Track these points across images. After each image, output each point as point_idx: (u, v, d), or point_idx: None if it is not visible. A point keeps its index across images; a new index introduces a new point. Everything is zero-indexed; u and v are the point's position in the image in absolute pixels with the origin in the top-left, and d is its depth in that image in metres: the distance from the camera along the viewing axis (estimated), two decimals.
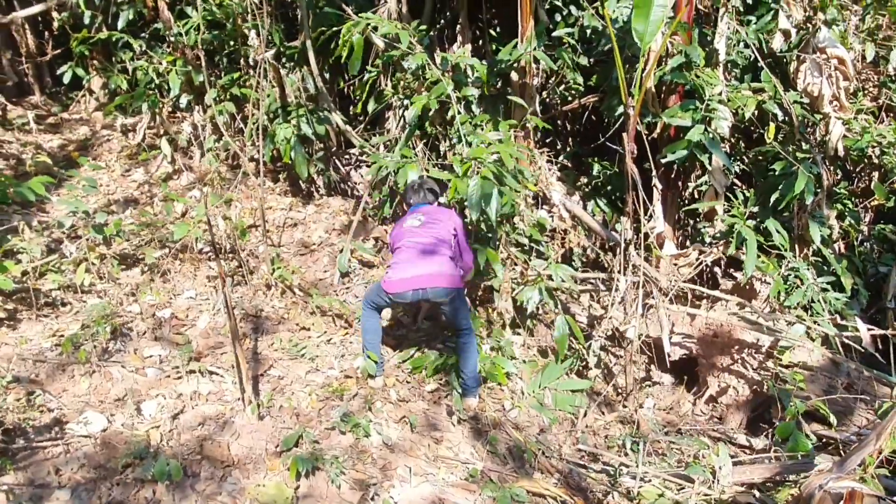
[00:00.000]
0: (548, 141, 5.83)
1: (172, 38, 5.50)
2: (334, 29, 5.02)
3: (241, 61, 5.81)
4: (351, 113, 6.47)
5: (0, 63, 6.54)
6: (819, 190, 4.28)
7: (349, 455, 3.11)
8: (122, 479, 2.71)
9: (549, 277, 4.13)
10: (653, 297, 4.27)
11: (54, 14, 6.29)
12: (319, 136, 5.30)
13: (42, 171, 4.91)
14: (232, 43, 5.75)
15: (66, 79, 6.04)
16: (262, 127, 4.74)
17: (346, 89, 6.01)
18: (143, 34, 6.08)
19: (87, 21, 5.93)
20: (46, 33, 6.77)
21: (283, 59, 5.83)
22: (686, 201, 5.07)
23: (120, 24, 5.73)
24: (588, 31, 4.93)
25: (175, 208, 4.82)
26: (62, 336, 3.49)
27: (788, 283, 4.18)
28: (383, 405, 3.55)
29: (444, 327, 4.28)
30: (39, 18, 6.64)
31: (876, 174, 4.68)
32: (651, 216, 4.67)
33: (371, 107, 5.36)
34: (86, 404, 3.09)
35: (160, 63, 5.66)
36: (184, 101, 5.67)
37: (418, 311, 4.46)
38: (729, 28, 4.28)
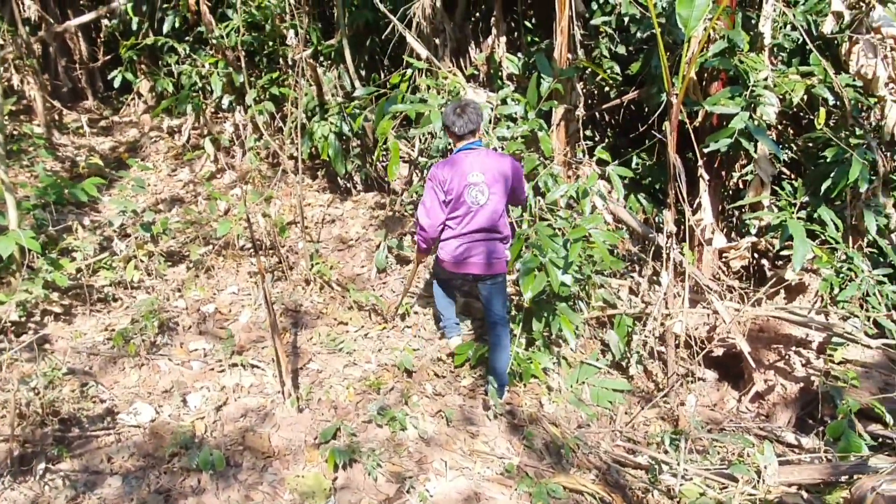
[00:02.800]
0: (585, 133, 5.73)
1: (214, 41, 5.65)
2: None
3: (280, 61, 5.93)
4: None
5: (56, 70, 6.86)
6: (874, 177, 4.08)
7: (385, 448, 3.15)
8: (170, 467, 2.82)
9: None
10: (697, 292, 4.16)
11: (104, 22, 6.57)
12: (356, 133, 5.36)
13: (94, 173, 5.14)
14: (271, 43, 5.88)
15: (117, 83, 6.29)
16: (300, 125, 4.83)
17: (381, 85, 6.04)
18: (187, 38, 6.27)
19: (134, 27, 6.17)
20: (98, 40, 7.06)
21: (321, 58, 5.91)
22: (730, 192, 4.91)
23: (165, 29, 5.93)
24: (626, 20, 4.81)
25: (218, 206, 4.97)
26: (113, 330, 3.65)
27: (841, 276, 3.99)
28: (419, 399, 3.58)
29: (478, 316, 4.28)
30: (91, 26, 6.94)
31: None
32: (696, 208, 4.54)
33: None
34: (135, 395, 3.23)
35: (203, 66, 5.83)
36: (226, 101, 5.83)
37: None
38: (775, 10, 4.10)
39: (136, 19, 6.14)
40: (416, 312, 4.41)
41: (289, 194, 5.45)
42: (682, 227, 4.30)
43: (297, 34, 5.79)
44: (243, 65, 5.27)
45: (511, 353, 3.69)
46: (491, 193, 3.28)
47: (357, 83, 5.46)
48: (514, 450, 3.42)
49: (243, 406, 3.26)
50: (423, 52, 4.46)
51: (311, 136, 5.34)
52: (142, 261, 4.23)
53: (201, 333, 3.82)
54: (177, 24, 5.93)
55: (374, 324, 4.25)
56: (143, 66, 6.53)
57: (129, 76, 6.36)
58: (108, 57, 6.88)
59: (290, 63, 5.93)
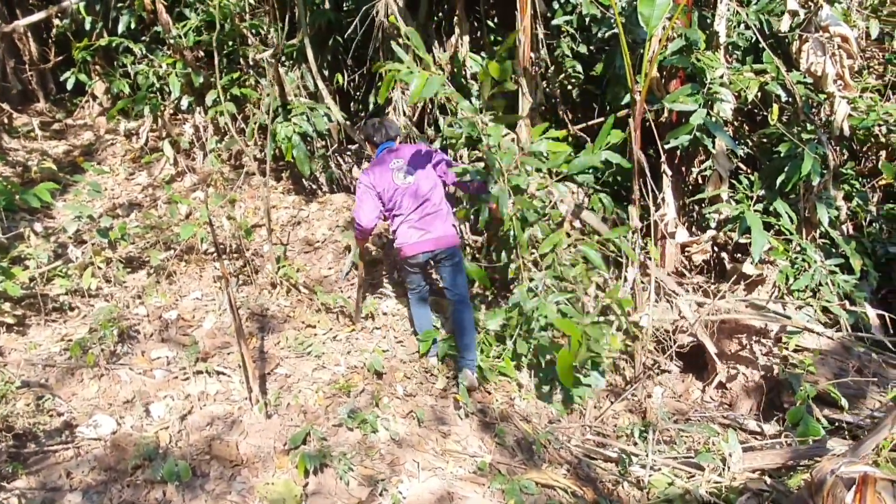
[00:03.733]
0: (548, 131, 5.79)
1: (172, 41, 5.51)
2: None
3: (241, 61, 5.82)
4: (352, 109, 6.48)
5: (4, 71, 6.58)
6: (825, 171, 4.23)
7: (357, 451, 3.13)
8: (133, 480, 2.73)
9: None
10: (662, 286, 4.25)
11: (55, 21, 6.32)
12: (320, 134, 5.30)
13: (47, 178, 4.96)
14: (231, 43, 5.76)
15: (70, 85, 6.07)
16: (264, 126, 4.75)
17: (345, 85, 6.00)
18: (143, 38, 6.10)
19: (87, 27, 5.96)
20: (49, 40, 6.81)
21: (283, 58, 5.83)
22: (690, 188, 5.02)
23: (120, 29, 5.75)
24: (587, 19, 4.87)
25: (179, 210, 4.84)
26: (70, 340, 3.52)
27: (796, 266, 4.13)
28: (390, 401, 3.56)
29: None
30: (42, 26, 6.68)
31: (883, 153, 4.61)
32: (660, 204, 4.63)
33: (372, 101, 5.35)
34: (95, 407, 3.12)
35: (160, 66, 5.67)
36: (185, 103, 5.69)
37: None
38: (729, 10, 4.22)
39: (89, 19, 5.94)
40: (384, 313, 4.39)
41: (253, 196, 5.36)
42: (646, 222, 4.38)
43: (258, 34, 5.70)
44: (203, 65, 5.16)
45: (476, 337, 3.88)
46: (417, 171, 3.69)
47: (320, 83, 5.39)
48: (486, 448, 3.43)
49: (209, 414, 3.19)
50: (405, 56, 4.41)
51: (275, 138, 5.25)
52: (99, 268, 4.10)
53: (164, 341, 3.72)
54: (132, 24, 5.76)
55: (342, 326, 4.21)
56: (97, 67, 6.32)
57: (83, 77, 6.15)
58: (60, 58, 6.63)
59: (251, 63, 5.83)
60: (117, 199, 5.29)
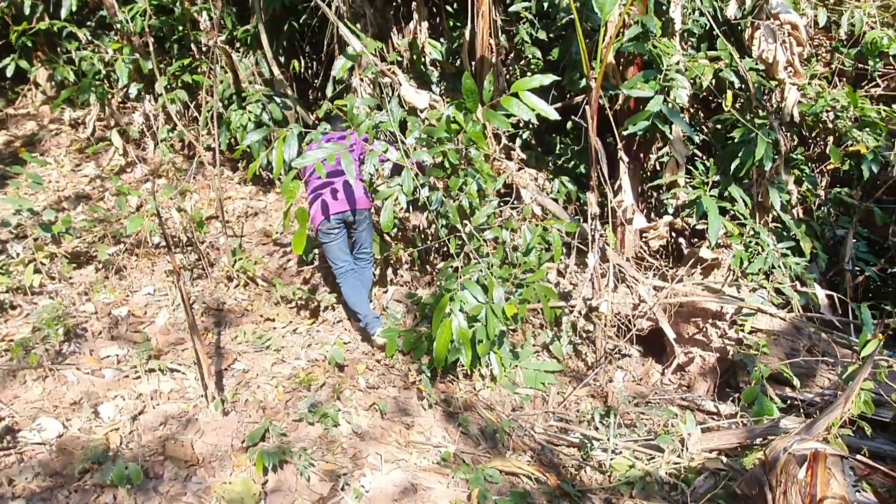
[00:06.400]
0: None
1: (118, 26, 5.27)
2: None
3: (192, 47, 5.61)
4: (310, 97, 6.33)
5: None
6: (777, 156, 4.32)
7: (318, 446, 3.07)
8: (80, 485, 2.62)
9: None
10: (622, 271, 4.29)
11: None
12: (277, 122, 5.16)
13: None
14: (181, 28, 5.55)
15: (9, 72, 5.75)
16: (216, 114, 4.59)
17: (302, 72, 5.85)
18: (88, 23, 5.82)
19: (27, 11, 5.64)
20: None
21: (236, 44, 5.64)
22: (648, 174, 5.08)
23: (63, 13, 5.45)
24: (545, 5, 4.85)
25: (129, 202, 4.66)
26: (11, 341, 3.35)
27: (750, 250, 4.22)
28: (352, 393, 3.51)
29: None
30: None
31: (831, 138, 4.74)
32: (618, 190, 4.67)
33: (330, 90, 5.23)
34: (39, 410, 2.98)
35: (106, 52, 5.42)
36: (133, 90, 5.46)
37: None
38: None
39: (28, 2, 5.62)
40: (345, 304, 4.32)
41: (207, 187, 5.19)
42: (605, 208, 4.42)
43: (210, 18, 5.50)
44: (152, 51, 4.95)
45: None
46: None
47: (275, 69, 5.25)
48: (451, 437, 3.42)
49: (162, 413, 3.08)
50: (358, 46, 4.32)
51: (229, 126, 5.09)
52: (42, 263, 3.91)
53: (113, 339, 3.58)
54: (75, 8, 5.47)
55: (302, 319, 4.13)
56: (39, 54, 6.01)
57: (24, 64, 5.84)
58: None
59: (203, 49, 5.62)
60: (62, 191, 5.06)
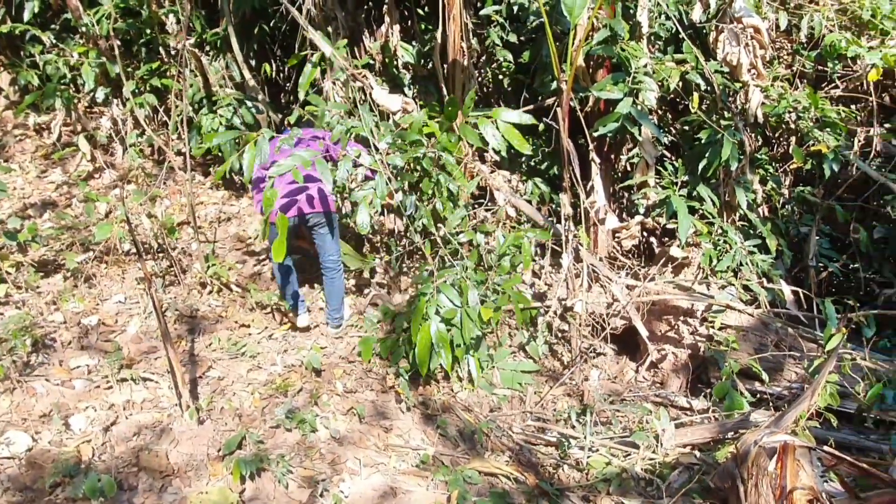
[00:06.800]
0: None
1: (83, 29, 5.16)
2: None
3: (161, 50, 5.53)
4: (282, 101, 6.29)
5: None
6: (742, 156, 4.44)
7: (296, 452, 3.05)
8: (52, 499, 2.56)
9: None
10: (595, 271, 4.36)
11: None
12: (249, 126, 5.11)
13: None
14: (149, 31, 5.46)
15: None
16: (186, 119, 4.53)
17: (273, 75, 5.81)
18: (52, 26, 5.68)
19: None
20: None
21: (206, 47, 5.57)
22: (619, 174, 5.17)
23: (26, 16, 5.32)
24: (515, 8, 4.91)
25: (97, 209, 4.57)
26: None
27: (718, 248, 4.33)
28: (329, 398, 3.49)
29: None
30: None
31: (793, 139, 4.88)
32: (590, 191, 4.74)
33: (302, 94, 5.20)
34: (7, 423, 2.90)
35: (72, 56, 5.30)
36: (100, 94, 5.36)
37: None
38: (650, 0, 4.34)
39: None
40: (320, 309, 4.30)
41: (178, 192, 5.12)
42: (578, 209, 4.48)
43: (178, 21, 5.42)
44: (118, 54, 4.86)
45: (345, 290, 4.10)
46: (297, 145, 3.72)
47: (246, 73, 5.20)
48: (429, 440, 3.43)
49: (136, 423, 3.03)
50: (328, 50, 4.31)
51: (200, 130, 5.03)
52: (8, 272, 3.81)
53: (84, 348, 3.51)
54: (37, 10, 5.34)
55: (278, 324, 4.09)
56: (1, 58, 5.85)
57: None
58: None
59: (171, 52, 5.54)
60: (28, 198, 4.93)
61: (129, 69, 5.40)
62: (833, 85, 5.15)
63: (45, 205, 4.86)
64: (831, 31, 4.88)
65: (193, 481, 2.78)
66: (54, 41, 5.52)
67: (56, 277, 4.06)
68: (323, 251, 3.92)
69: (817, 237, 4.90)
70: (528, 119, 3.65)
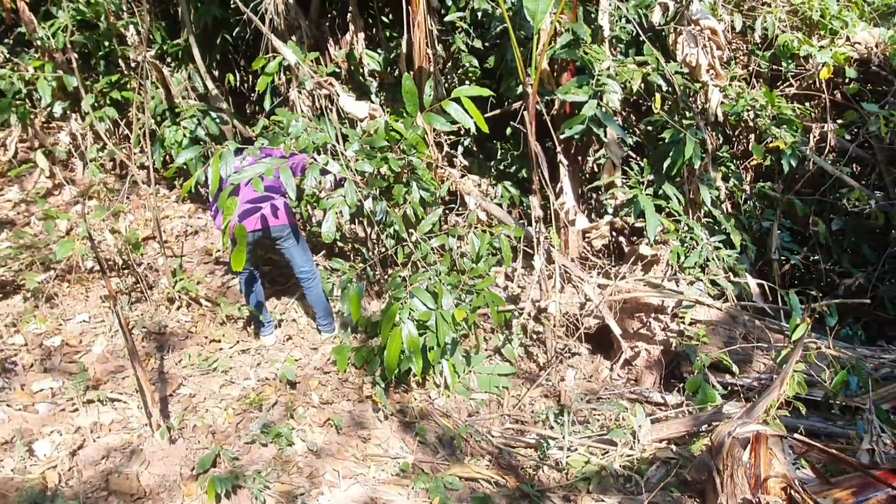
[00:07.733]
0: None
1: (38, 42, 5.02)
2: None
3: (120, 63, 5.41)
4: (248, 112, 6.21)
5: None
6: (705, 154, 4.54)
7: (273, 467, 2.99)
8: None
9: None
10: (567, 272, 4.40)
11: None
12: (214, 137, 5.02)
13: None
14: (107, 44, 5.33)
15: None
16: (149, 131, 4.43)
17: (237, 86, 5.73)
18: (6, 40, 5.52)
19: None
20: None
21: (167, 58, 5.47)
22: (587, 175, 5.24)
23: None
24: (479, 14, 4.95)
25: (57, 226, 4.43)
26: None
27: (686, 245, 4.42)
28: (306, 410, 3.44)
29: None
30: None
31: (752, 136, 5.03)
32: (559, 193, 4.79)
33: (268, 103, 5.15)
34: None
35: (27, 70, 5.15)
36: (58, 109, 5.21)
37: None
38: (611, 4, 4.43)
39: None
40: (293, 320, 4.25)
41: (141, 207, 5.00)
42: (548, 211, 4.52)
43: (137, 33, 5.31)
44: (76, 68, 4.73)
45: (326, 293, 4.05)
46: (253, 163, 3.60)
47: (210, 83, 5.12)
48: (408, 448, 3.40)
49: (104, 446, 2.94)
50: (293, 59, 4.26)
51: (163, 143, 4.93)
52: None
53: (47, 371, 3.39)
54: None
55: (250, 337, 4.02)
56: None
57: None
58: None
59: (131, 65, 5.43)
60: None
61: (88, 82, 5.26)
62: (787, 83, 5.32)
63: (2, 224, 4.69)
64: (784, 32, 5.05)
65: (167, 502, 2.70)
66: (7, 55, 5.35)
67: (15, 298, 3.92)
68: (294, 264, 3.90)
69: (779, 231, 5.05)
70: (486, 92, 3.65)
